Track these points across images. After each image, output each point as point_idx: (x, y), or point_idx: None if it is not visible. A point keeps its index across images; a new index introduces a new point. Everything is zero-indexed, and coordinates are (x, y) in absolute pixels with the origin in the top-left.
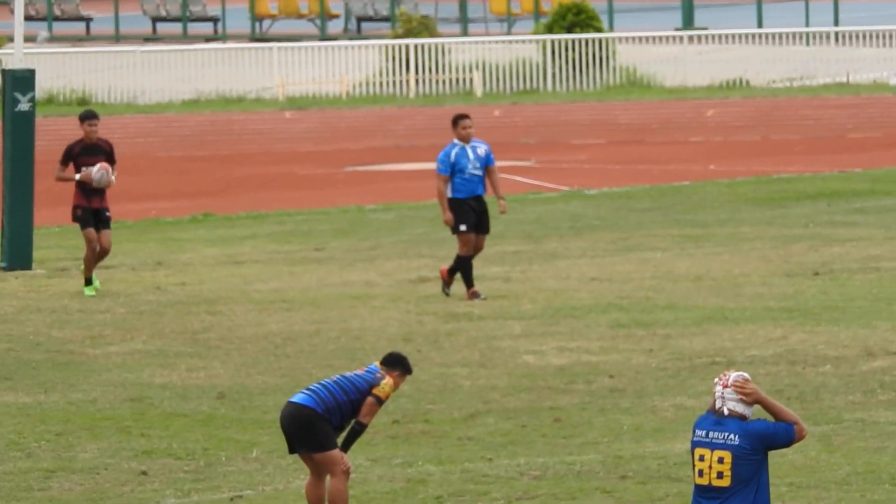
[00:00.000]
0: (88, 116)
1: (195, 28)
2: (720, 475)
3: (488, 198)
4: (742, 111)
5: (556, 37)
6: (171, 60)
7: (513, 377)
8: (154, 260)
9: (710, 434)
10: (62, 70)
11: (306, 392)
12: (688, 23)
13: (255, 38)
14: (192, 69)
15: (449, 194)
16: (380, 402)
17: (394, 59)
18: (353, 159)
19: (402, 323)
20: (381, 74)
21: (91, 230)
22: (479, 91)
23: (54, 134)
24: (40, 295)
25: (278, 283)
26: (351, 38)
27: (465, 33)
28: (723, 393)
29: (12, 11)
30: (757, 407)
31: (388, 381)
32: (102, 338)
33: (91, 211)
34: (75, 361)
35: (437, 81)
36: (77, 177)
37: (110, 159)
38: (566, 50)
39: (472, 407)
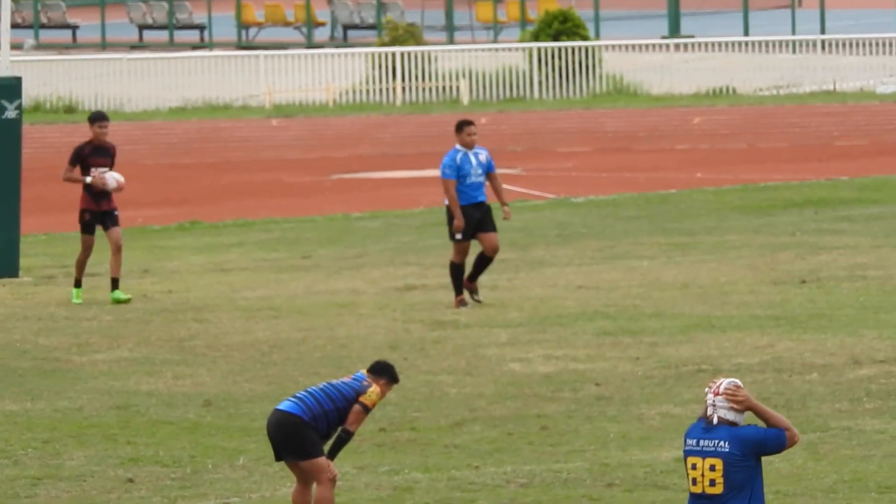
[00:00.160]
0: (100, 118)
1: (181, 36)
2: (713, 483)
3: (491, 202)
4: (729, 119)
5: (542, 45)
6: (158, 68)
7: (499, 385)
8: (140, 268)
9: (701, 442)
10: (49, 78)
11: (293, 400)
12: (674, 31)
13: (241, 46)
14: (179, 77)
15: (447, 202)
16: (366, 409)
17: (380, 66)
18: (339, 167)
19: (389, 331)
20: (367, 82)
21: (90, 237)
22: (465, 99)
23: (41, 142)
24: (27, 302)
25: (265, 291)
26: (337, 46)
27: (451, 41)
28: (714, 401)
29: None
30: (749, 413)
31: (374, 389)
32: (89, 345)
33: (99, 214)
34: (62, 369)
35: (423, 89)
36: (88, 180)
37: (113, 162)
38: (552, 58)
39: (458, 415)
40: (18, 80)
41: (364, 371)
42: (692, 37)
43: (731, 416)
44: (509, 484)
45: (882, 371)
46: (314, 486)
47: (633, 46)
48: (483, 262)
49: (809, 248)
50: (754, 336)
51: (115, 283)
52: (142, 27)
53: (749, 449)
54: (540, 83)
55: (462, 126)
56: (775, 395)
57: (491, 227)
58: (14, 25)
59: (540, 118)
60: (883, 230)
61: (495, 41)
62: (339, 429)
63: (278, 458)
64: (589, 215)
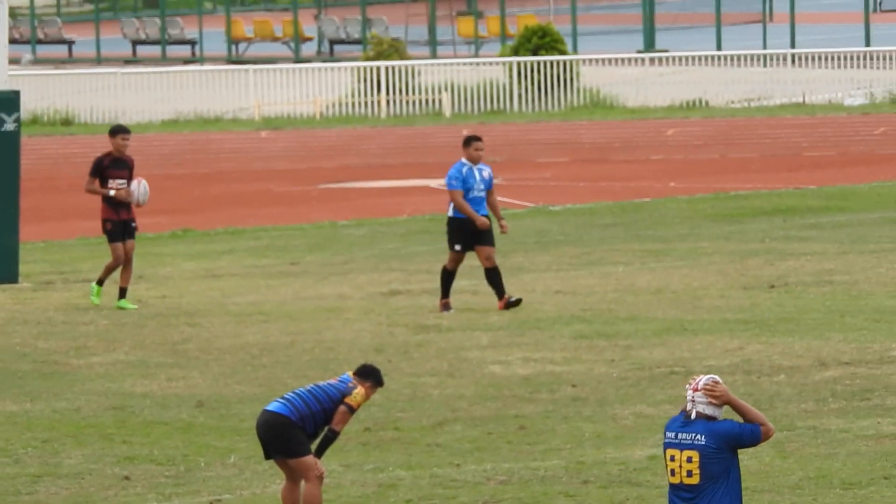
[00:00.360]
0: (122, 130)
1: (174, 51)
2: (690, 473)
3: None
4: (701, 131)
5: (521, 59)
6: (151, 82)
7: (480, 386)
8: (135, 274)
9: (679, 435)
10: (46, 91)
11: (281, 401)
12: (649, 45)
13: (231, 61)
14: (171, 90)
15: (450, 213)
16: (352, 410)
17: (365, 80)
18: (326, 177)
19: (374, 334)
20: (353, 95)
21: (119, 245)
22: (447, 111)
23: (39, 153)
24: (26, 307)
25: (255, 297)
26: (324, 61)
27: (434, 56)
28: (693, 396)
29: None
30: (727, 408)
31: (359, 391)
32: (86, 349)
33: (120, 223)
34: (60, 371)
35: (407, 102)
36: (112, 193)
37: (131, 174)
38: (532, 72)
39: (440, 415)
40: (17, 93)
41: (350, 373)
42: (666, 51)
43: (709, 410)
44: (489, 481)
45: (847, 373)
46: (302, 483)
47: (610, 60)
48: (491, 275)
49: (778, 255)
50: (725, 339)
51: (122, 293)
52: (135, 42)
53: (724, 442)
54: (520, 96)
55: (470, 141)
56: (744, 396)
57: (488, 242)
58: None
59: (519, 130)
60: (849, 237)
61: (476, 56)
62: (326, 428)
63: (268, 456)
64: (566, 223)
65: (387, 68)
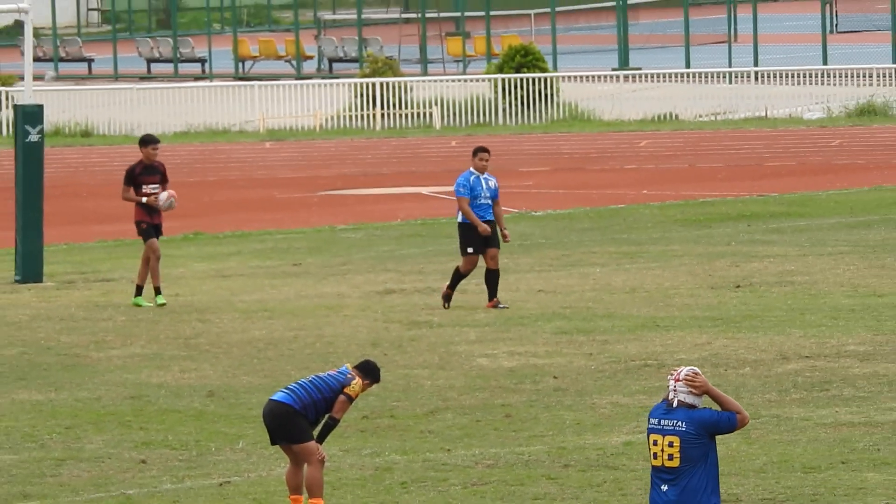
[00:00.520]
0: (152, 141)
1: (185, 68)
2: (671, 457)
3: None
4: (672, 142)
5: (506, 76)
6: (164, 97)
7: (468, 378)
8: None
9: (662, 421)
10: (67, 105)
11: (285, 391)
12: (623, 63)
13: (238, 78)
14: (183, 105)
15: (459, 219)
16: (350, 399)
17: (362, 95)
18: (326, 185)
19: (371, 330)
20: (350, 109)
21: (154, 241)
22: (437, 124)
23: (60, 162)
24: (50, 305)
25: (261, 295)
26: (323, 78)
27: (425, 73)
28: (675, 386)
29: (23, 53)
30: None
31: (357, 382)
32: (105, 343)
33: (153, 226)
34: (81, 364)
35: (400, 116)
36: (144, 200)
37: (164, 179)
38: (515, 88)
39: (432, 404)
40: (40, 107)
41: (348, 365)
42: (639, 69)
43: (689, 399)
44: (477, 465)
45: (807, 365)
46: (305, 466)
47: (587, 77)
48: (491, 276)
49: (743, 257)
50: (694, 335)
51: (157, 291)
52: (149, 60)
53: (703, 429)
54: (504, 110)
55: (477, 152)
56: None
57: (495, 244)
58: (36, 59)
59: (504, 141)
60: (808, 241)
61: (464, 73)
62: (327, 416)
63: (273, 442)
64: (547, 227)
65: (381, 84)
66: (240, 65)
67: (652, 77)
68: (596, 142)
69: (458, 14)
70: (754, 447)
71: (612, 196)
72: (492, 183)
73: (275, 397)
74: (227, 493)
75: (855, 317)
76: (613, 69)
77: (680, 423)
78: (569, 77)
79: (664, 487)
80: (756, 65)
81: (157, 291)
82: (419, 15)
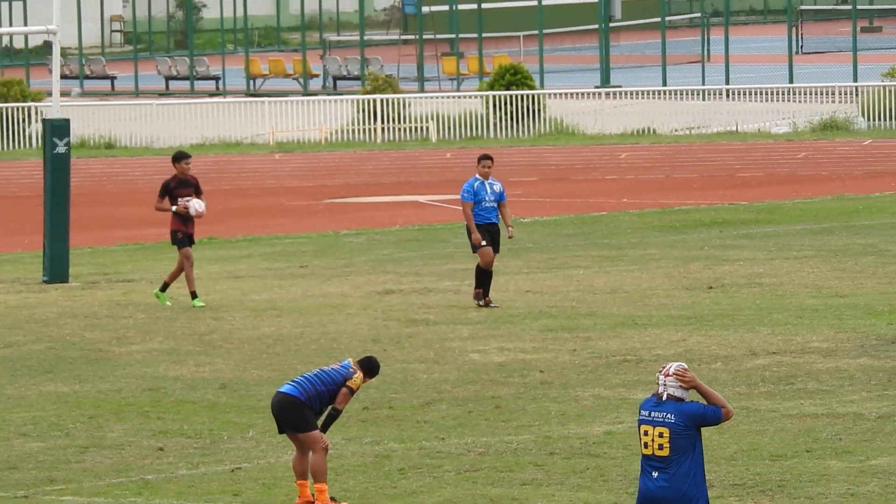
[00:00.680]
0: (184, 156)
1: (201, 85)
2: (661, 447)
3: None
4: (650, 154)
5: (496, 93)
6: (181, 112)
7: (461, 372)
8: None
9: (652, 413)
10: (91, 119)
11: (292, 383)
12: (605, 81)
13: (249, 94)
14: (198, 119)
15: None
16: (352, 392)
17: (364, 111)
18: (330, 193)
19: (371, 327)
20: (353, 123)
21: (188, 249)
22: (433, 137)
23: (86, 172)
24: (75, 303)
25: (270, 295)
26: (328, 94)
27: (422, 90)
28: (664, 381)
29: (51, 71)
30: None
31: (358, 375)
32: (126, 338)
33: (187, 235)
34: (104, 358)
35: (399, 129)
36: (174, 209)
37: (198, 191)
38: (505, 104)
39: (427, 396)
40: (67, 121)
41: (350, 360)
42: (620, 87)
43: (678, 393)
44: (469, 453)
45: (774, 361)
46: (310, 454)
47: (572, 94)
48: (479, 274)
49: (715, 261)
50: (670, 332)
51: (193, 295)
52: (168, 78)
53: (691, 421)
54: (495, 125)
55: (481, 159)
56: None
57: (496, 248)
58: (63, 77)
59: (495, 153)
60: (776, 246)
61: (458, 90)
62: (330, 407)
63: (281, 431)
64: (535, 233)
65: (382, 100)
66: (251, 82)
67: (631, 94)
68: (580, 154)
69: (453, 36)
70: (725, 436)
71: (594, 204)
72: (496, 187)
73: (282, 389)
74: (238, 478)
75: (819, 316)
76: (596, 87)
77: (669, 415)
78: (555, 94)
79: (655, 474)
80: (728, 83)
81: (194, 296)
82: (417, 37)
